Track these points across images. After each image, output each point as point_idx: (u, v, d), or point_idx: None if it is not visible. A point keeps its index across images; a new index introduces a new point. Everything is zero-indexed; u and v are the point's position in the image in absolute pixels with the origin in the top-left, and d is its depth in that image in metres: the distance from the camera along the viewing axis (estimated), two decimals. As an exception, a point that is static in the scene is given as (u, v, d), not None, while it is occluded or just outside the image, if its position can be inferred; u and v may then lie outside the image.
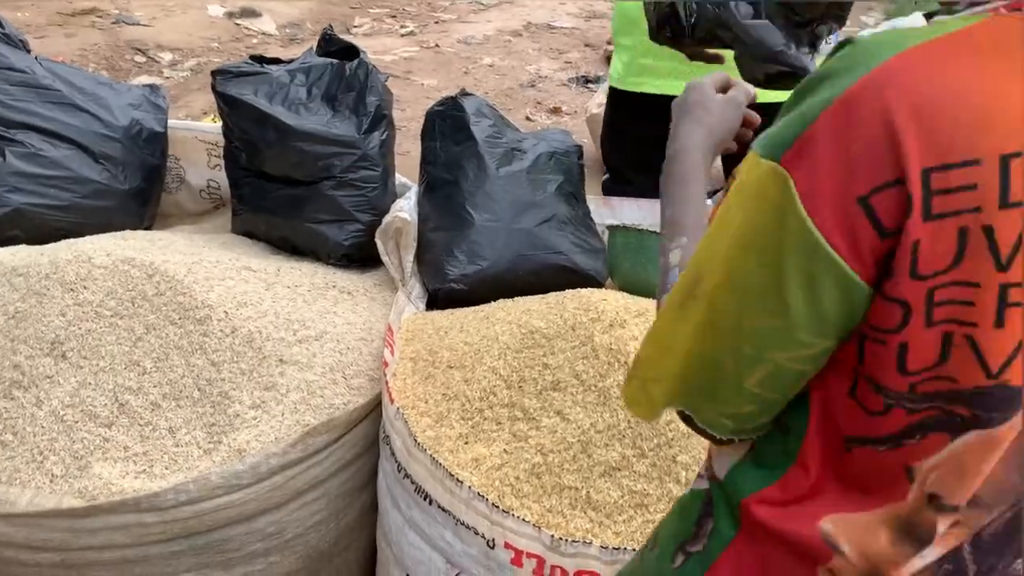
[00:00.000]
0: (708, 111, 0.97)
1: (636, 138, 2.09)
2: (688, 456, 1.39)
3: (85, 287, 1.57)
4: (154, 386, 1.52)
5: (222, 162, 2.15)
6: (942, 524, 0.71)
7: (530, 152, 2.01)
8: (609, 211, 2.14)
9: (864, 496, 0.74)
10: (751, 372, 0.71)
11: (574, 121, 4.63)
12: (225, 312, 1.60)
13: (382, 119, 1.97)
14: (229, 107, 1.95)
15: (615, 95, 2.19)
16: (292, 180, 1.96)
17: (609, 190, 2.32)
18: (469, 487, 1.35)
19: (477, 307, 1.77)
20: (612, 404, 1.42)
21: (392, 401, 1.51)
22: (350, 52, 2.05)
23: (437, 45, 5.64)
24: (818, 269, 0.65)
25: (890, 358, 0.67)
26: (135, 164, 2.04)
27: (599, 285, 1.92)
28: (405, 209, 1.91)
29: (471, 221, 1.89)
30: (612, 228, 1.92)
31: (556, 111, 4.74)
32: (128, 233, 1.89)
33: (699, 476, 0.96)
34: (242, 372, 1.56)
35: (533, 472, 1.40)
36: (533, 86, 5.09)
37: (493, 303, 1.76)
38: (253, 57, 2.08)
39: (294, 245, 2.00)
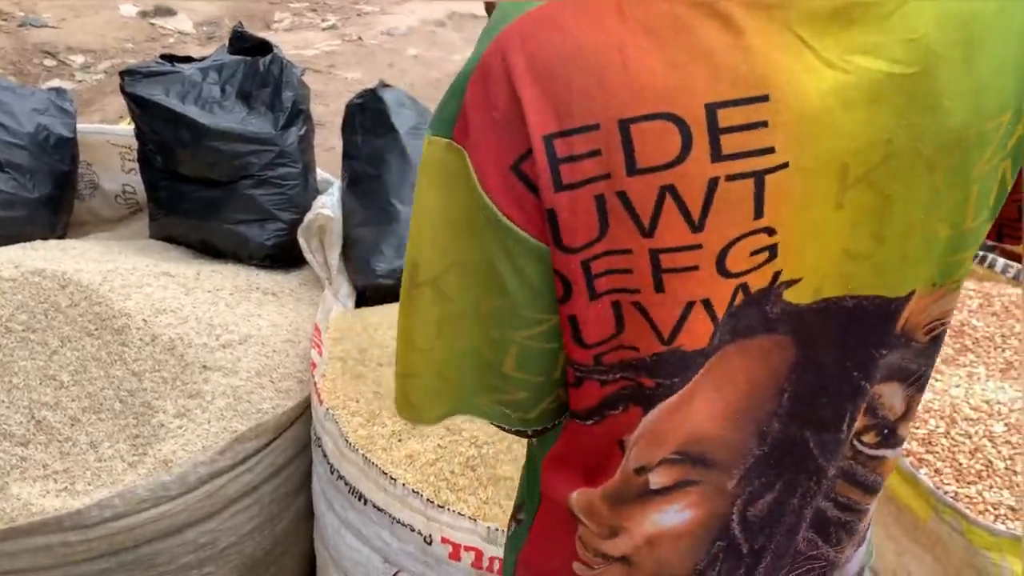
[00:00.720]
0: None
1: None
2: (621, 440, 1.39)
3: (-7, 302, 1.50)
4: (72, 400, 1.46)
5: (137, 166, 2.10)
6: (658, 478, 0.69)
7: (453, 142, 1.99)
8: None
9: (590, 472, 0.73)
10: (505, 355, 0.67)
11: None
12: (144, 320, 1.55)
13: (299, 115, 1.93)
14: (140, 108, 1.90)
15: None
16: (209, 181, 1.91)
17: None
18: (403, 484, 1.33)
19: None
20: (543, 392, 1.42)
21: (321, 402, 1.48)
22: (263, 48, 2.00)
23: (360, 38, 5.57)
24: (509, 243, 0.62)
25: (566, 330, 0.65)
26: (44, 171, 1.97)
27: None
28: (328, 206, 1.88)
29: (396, 215, 1.86)
30: None
31: (483, 100, 4.72)
32: (39, 243, 1.82)
33: None
34: (164, 381, 1.51)
35: (468, 465, 1.39)
36: (459, 76, 5.06)
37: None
38: (164, 56, 2.02)
39: (215, 248, 1.95)
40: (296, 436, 1.62)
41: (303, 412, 1.62)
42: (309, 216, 1.85)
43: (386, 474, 1.34)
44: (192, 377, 1.53)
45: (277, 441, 1.57)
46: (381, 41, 5.55)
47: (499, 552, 1.30)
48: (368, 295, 1.87)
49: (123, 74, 1.91)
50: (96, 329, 1.52)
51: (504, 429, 0.75)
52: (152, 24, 5.64)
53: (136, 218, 2.22)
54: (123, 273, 1.63)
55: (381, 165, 1.92)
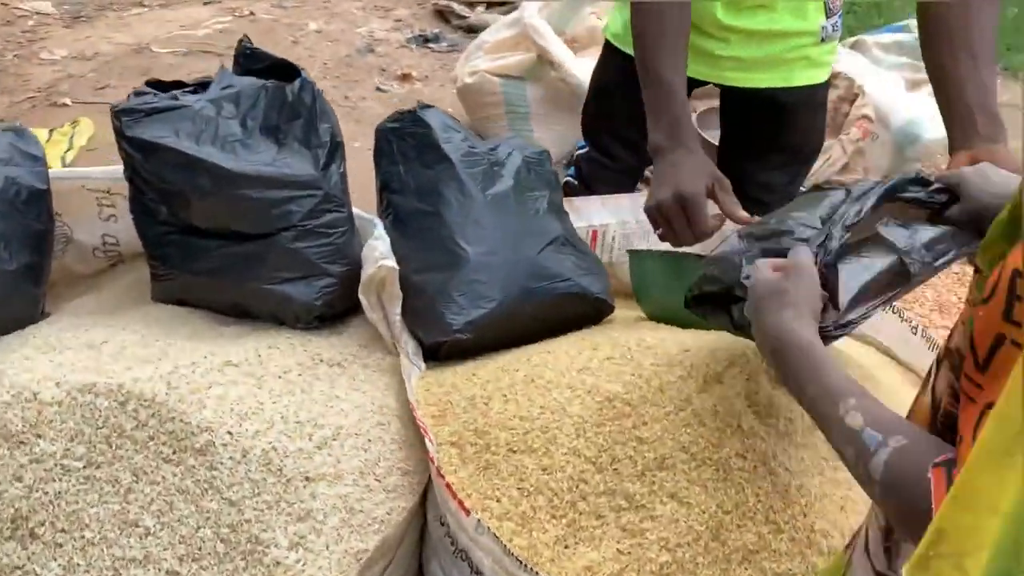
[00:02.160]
0: (784, 292, 0.99)
1: (631, 109, 1.88)
2: (826, 522, 1.24)
3: (39, 436, 1.18)
4: (164, 549, 1.18)
5: (116, 212, 1.76)
6: None
7: (508, 165, 1.76)
8: (574, 215, 1.92)
9: None
10: None
11: (429, 88, 4.33)
12: (228, 432, 1.27)
13: (337, 149, 1.65)
14: (143, 154, 1.55)
15: (611, 54, 1.98)
16: (237, 234, 1.60)
17: (586, 167, 2.11)
18: (606, 611, 1.14)
19: (507, 363, 1.52)
20: (734, 477, 1.25)
21: (467, 512, 1.26)
22: (282, 69, 1.69)
23: (252, 12, 5.08)
24: None
25: None
26: (19, 235, 1.59)
27: (610, 308, 1.73)
28: (386, 254, 1.61)
29: (465, 257, 1.62)
30: (636, 252, 1.71)
31: (406, 78, 4.41)
32: (39, 331, 1.48)
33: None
34: (268, 506, 1.25)
35: (661, 573, 1.20)
36: (372, 51, 4.70)
37: (529, 356, 1.52)
38: (151, 83, 1.67)
39: (248, 311, 1.65)
40: (411, 542, 1.39)
41: (417, 512, 1.39)
42: (369, 270, 1.58)
43: (582, 600, 1.15)
44: (298, 495, 1.27)
45: (398, 553, 1.34)
46: (275, 15, 5.09)
47: (728, 675, 1.13)
48: (441, 352, 1.63)
49: (119, 114, 1.56)
50: (174, 453, 1.23)
51: None
52: (5, 4, 4.95)
53: (117, 273, 1.87)
54: (184, 372, 1.33)
55: (438, 200, 1.67)
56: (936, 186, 1.17)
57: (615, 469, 1.27)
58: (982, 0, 1.46)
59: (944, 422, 0.78)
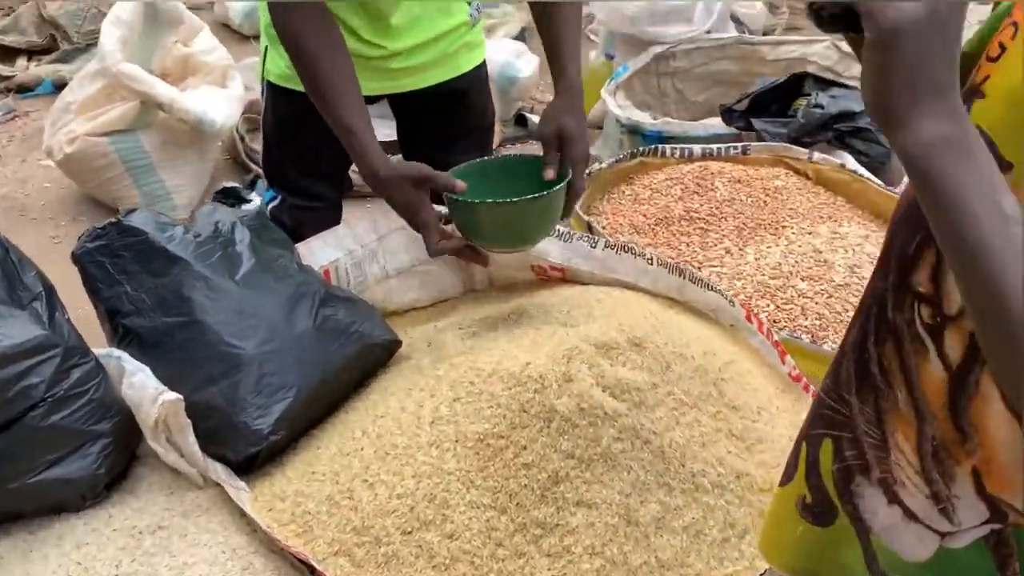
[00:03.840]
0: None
1: (319, 144, 1.78)
2: (697, 463, 1.36)
3: None
4: None
5: None
6: None
7: (239, 240, 1.62)
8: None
9: None
10: None
11: (11, 168, 3.76)
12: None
13: (52, 294, 1.40)
14: None
15: (280, 96, 1.86)
16: (-32, 436, 1.31)
17: (290, 216, 1.99)
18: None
19: (343, 446, 1.44)
20: (620, 461, 1.31)
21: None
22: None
23: None
24: None
25: None
26: None
27: (399, 344, 1.70)
28: (159, 387, 1.42)
29: (244, 355, 1.49)
30: (456, 204, 1.58)
31: (-19, 162, 3.78)
32: None
33: (958, 532, 0.85)
34: None
35: (600, 576, 1.25)
36: (-85, 144, 3.96)
37: (364, 430, 1.44)
38: None
39: (16, 515, 1.37)
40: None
41: (329, 636, 1.29)
42: (150, 412, 1.39)
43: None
44: None
45: None
46: None
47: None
48: (258, 463, 1.50)
49: None
50: None
51: None
52: None
53: None
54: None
55: (189, 307, 1.50)
56: None
57: (517, 504, 1.28)
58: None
59: None
